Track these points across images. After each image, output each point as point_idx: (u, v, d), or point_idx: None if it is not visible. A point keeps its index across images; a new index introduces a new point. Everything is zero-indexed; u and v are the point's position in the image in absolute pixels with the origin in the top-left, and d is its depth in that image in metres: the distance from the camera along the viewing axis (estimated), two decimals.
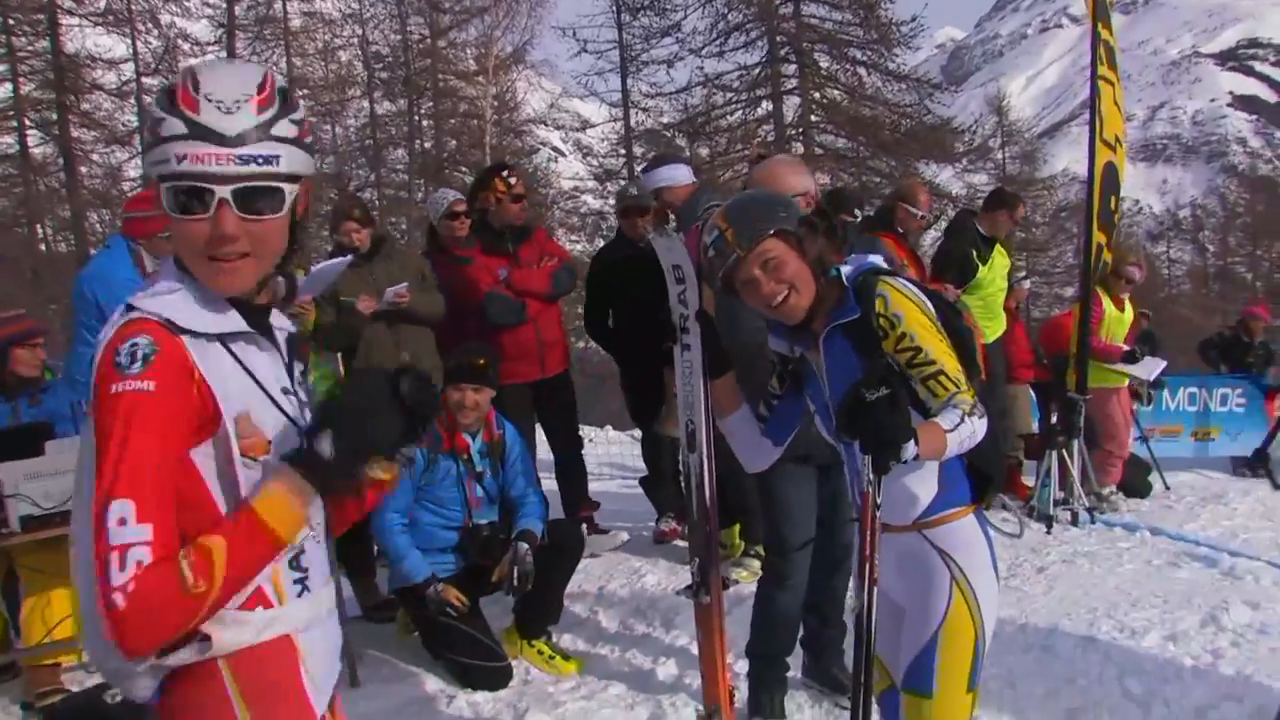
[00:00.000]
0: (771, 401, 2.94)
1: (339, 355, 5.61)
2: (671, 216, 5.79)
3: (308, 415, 1.91)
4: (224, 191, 1.67)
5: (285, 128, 1.73)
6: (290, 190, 1.75)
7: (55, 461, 4.40)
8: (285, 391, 1.87)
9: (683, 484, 3.94)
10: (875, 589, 2.61)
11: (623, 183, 28.92)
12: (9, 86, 27.06)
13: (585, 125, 32.16)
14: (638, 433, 9.86)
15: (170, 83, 1.75)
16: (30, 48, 27.12)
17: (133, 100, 28.19)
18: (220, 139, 1.66)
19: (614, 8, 28.83)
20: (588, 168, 31.64)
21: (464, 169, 29.28)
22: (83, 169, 27.76)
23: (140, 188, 29.07)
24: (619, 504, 7.79)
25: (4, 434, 4.88)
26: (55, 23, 26.98)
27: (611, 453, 11.84)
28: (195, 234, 1.70)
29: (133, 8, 28.66)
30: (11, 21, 26.71)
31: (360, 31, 30.99)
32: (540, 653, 4.93)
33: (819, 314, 2.72)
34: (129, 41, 28.92)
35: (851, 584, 3.84)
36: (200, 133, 1.66)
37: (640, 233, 6.19)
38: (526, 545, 4.73)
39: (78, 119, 27.74)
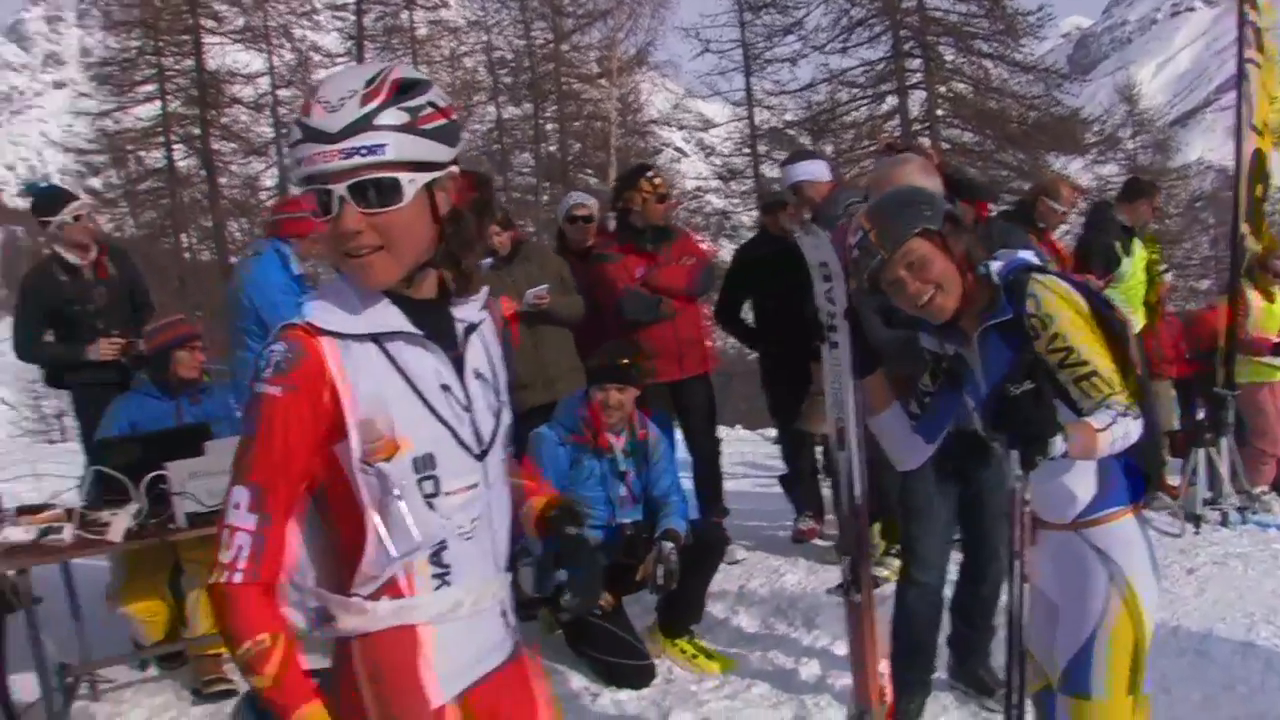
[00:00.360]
0: (924, 399, 2.93)
1: None
2: (808, 212, 5.79)
3: (489, 400, 1.95)
4: (340, 189, 1.69)
5: (393, 115, 1.69)
6: (410, 179, 1.71)
7: (215, 461, 4.51)
8: (445, 389, 1.86)
9: (831, 482, 3.93)
10: (1026, 586, 2.60)
11: (748, 182, 28.97)
12: (158, 105, 28.50)
13: (707, 125, 32.21)
14: (769, 431, 9.85)
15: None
16: (177, 67, 28.65)
17: (268, 112, 29.42)
18: (326, 136, 1.67)
19: (736, 6, 28.95)
20: (710, 167, 31.72)
21: (589, 171, 29.65)
22: (222, 180, 29.05)
23: (275, 197, 30.13)
24: (753, 503, 7.77)
25: (169, 433, 5.10)
26: (199, 42, 28.33)
27: (743, 451, 11.80)
28: (330, 233, 1.74)
29: (268, 24, 29.87)
30: (160, 43, 28.09)
31: (485, 38, 31.54)
32: (684, 651, 4.94)
33: (968, 312, 2.70)
34: (265, 56, 30.26)
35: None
36: (311, 134, 1.69)
37: (783, 227, 6.20)
38: (671, 544, 4.73)
39: (218, 132, 29.07)
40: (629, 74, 30.14)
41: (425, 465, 1.81)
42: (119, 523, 4.42)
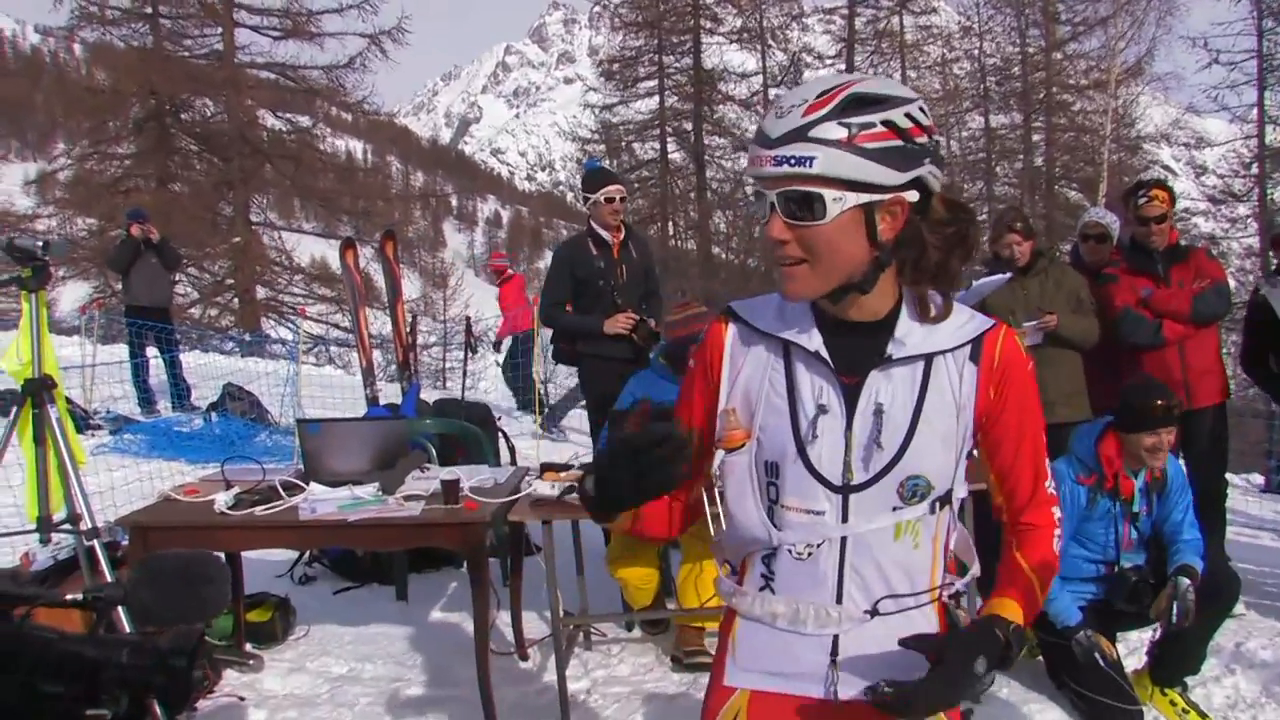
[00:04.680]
0: None
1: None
2: None
3: (889, 439, 1.78)
4: (772, 195, 1.65)
5: (829, 130, 1.59)
6: (837, 197, 1.62)
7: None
8: (822, 409, 1.79)
9: None
10: None
11: (1240, 206, 26.57)
12: (657, 99, 30.75)
13: (1200, 143, 29.83)
14: (1254, 478, 9.00)
15: None
16: (676, 64, 31.01)
17: (758, 109, 30.73)
18: (766, 141, 1.64)
19: (1255, 13, 26.49)
20: (1200, 188, 29.31)
21: (1074, 185, 28.49)
22: (710, 173, 30.78)
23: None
24: (1250, 554, 7.12)
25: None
26: (699, 42, 30.28)
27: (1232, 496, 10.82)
28: (763, 238, 1.81)
29: (764, 25, 31.31)
30: (663, 42, 30.50)
31: (977, 44, 31.11)
32: (1174, 704, 4.61)
33: None
34: (759, 56, 31.69)
35: None
36: (758, 137, 1.67)
37: None
38: (1189, 581, 4.36)
39: (710, 127, 30.88)
40: (1126, 85, 28.60)
41: (771, 472, 1.84)
42: None
